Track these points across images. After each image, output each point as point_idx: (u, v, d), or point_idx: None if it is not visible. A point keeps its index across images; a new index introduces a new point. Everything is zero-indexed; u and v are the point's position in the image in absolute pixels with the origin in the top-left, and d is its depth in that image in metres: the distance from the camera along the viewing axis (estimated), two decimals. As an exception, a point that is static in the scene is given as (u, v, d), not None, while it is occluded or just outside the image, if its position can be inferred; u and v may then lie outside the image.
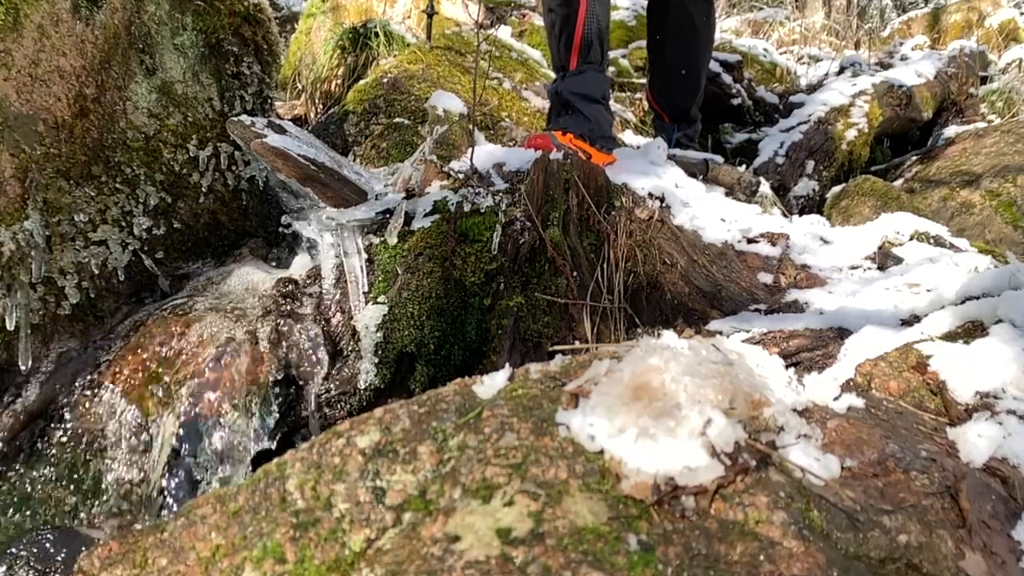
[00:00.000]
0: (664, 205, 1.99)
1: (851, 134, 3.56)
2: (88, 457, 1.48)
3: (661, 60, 2.78)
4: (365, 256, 1.69)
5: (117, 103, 1.72)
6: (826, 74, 4.47)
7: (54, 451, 1.49)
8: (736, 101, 3.97)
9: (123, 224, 1.72)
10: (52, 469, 1.47)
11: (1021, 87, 4.17)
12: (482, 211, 1.72)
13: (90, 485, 1.47)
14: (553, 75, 3.20)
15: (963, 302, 1.31)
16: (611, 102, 2.79)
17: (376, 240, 1.71)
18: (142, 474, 1.47)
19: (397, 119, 2.64)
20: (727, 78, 3.96)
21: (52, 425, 1.52)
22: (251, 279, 1.80)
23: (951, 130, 3.75)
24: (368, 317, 1.61)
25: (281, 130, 1.80)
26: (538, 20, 4.29)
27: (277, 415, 1.57)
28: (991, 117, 3.97)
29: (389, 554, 0.63)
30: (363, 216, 1.72)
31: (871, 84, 3.74)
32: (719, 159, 2.69)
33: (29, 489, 1.46)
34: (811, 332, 1.56)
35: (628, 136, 3.18)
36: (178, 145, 1.83)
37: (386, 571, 0.62)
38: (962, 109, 3.97)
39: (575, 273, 1.73)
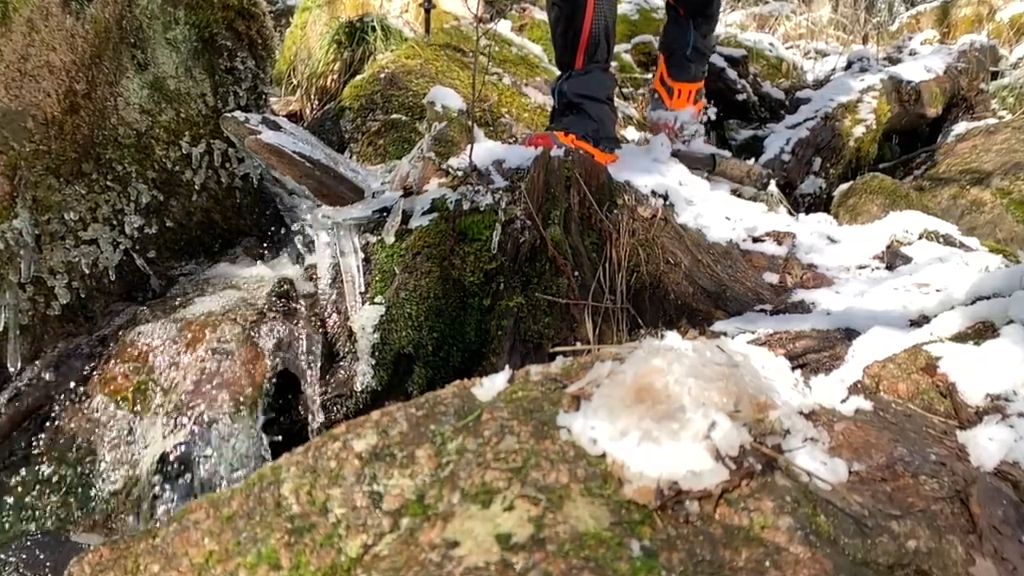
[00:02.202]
0: (667, 203, 1.99)
1: (859, 131, 3.55)
2: (78, 461, 1.48)
3: None
4: (362, 255, 1.69)
5: (108, 99, 1.72)
6: (833, 69, 4.46)
7: (43, 454, 1.49)
8: (741, 97, 3.97)
9: (114, 223, 1.72)
10: (41, 473, 1.47)
11: (1033, 82, 4.17)
12: (481, 209, 1.72)
13: (80, 489, 1.47)
14: (554, 70, 3.18)
15: (973, 302, 1.31)
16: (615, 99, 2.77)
17: (373, 239, 1.71)
18: (133, 478, 1.47)
19: (394, 115, 2.64)
20: (732, 73, 3.96)
21: (41, 428, 1.52)
22: (245, 279, 1.80)
23: (961, 126, 3.75)
24: (365, 318, 1.61)
25: (276, 126, 1.80)
26: (539, 14, 4.29)
27: (272, 418, 1.57)
28: (1002, 113, 3.97)
29: (386, 560, 0.63)
30: (360, 214, 1.72)
31: (879, 80, 3.74)
32: (727, 153, 2.69)
33: (18, 493, 1.46)
34: (818, 333, 1.56)
35: (630, 132, 3.18)
36: (170, 142, 1.83)
37: (383, 577, 0.61)
38: (972, 105, 3.97)
39: (576, 273, 1.73)
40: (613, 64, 2.86)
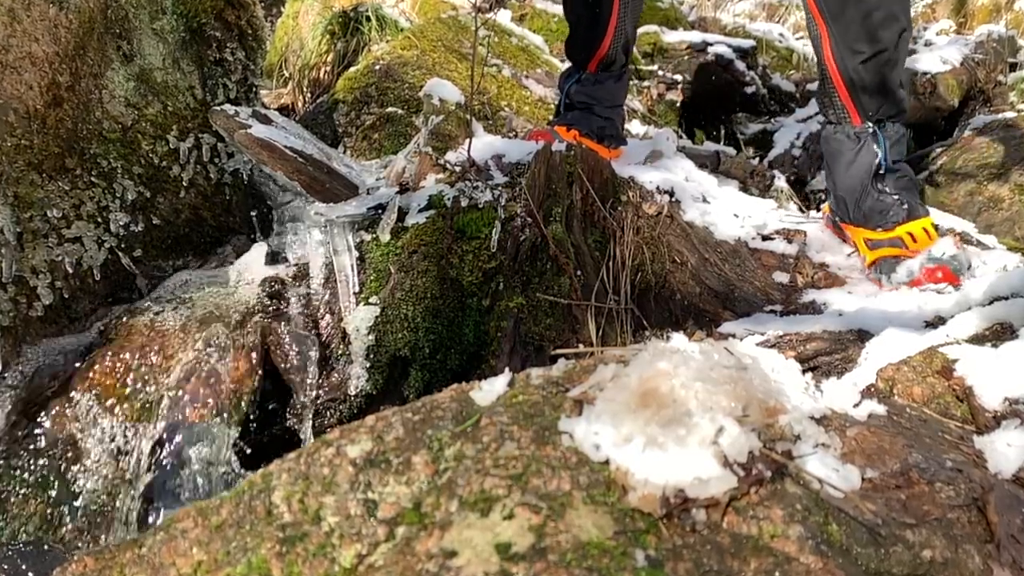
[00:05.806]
0: (674, 200, 1.99)
1: (872, 124, 3.54)
2: (62, 467, 1.48)
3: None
4: (356, 254, 1.69)
5: (93, 92, 1.72)
6: (845, 61, 4.45)
7: (26, 461, 1.49)
8: (750, 89, 3.98)
9: (99, 220, 1.72)
10: (24, 480, 1.47)
11: (1053, 74, 4.17)
12: (480, 206, 1.72)
13: (64, 497, 1.47)
14: (556, 63, 3.17)
15: (991, 303, 1.31)
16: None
17: (368, 237, 1.71)
18: (119, 485, 1.47)
19: (390, 108, 2.64)
20: (741, 65, 3.96)
21: (24, 434, 1.52)
22: (235, 279, 1.80)
23: (978, 120, 3.74)
24: (359, 319, 1.61)
25: (267, 120, 1.80)
26: (540, 3, 4.29)
27: (262, 423, 1.57)
28: (1021, 106, 3.97)
29: (381, 570, 0.63)
30: (354, 211, 1.72)
31: (893, 71, 3.73)
32: (731, 151, 2.69)
33: (-1, 501, 1.46)
34: (830, 335, 1.56)
35: (635, 126, 3.18)
36: (157, 136, 1.83)
37: (378, 589, 0.62)
38: (990, 98, 3.97)
39: (579, 272, 1.73)
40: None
